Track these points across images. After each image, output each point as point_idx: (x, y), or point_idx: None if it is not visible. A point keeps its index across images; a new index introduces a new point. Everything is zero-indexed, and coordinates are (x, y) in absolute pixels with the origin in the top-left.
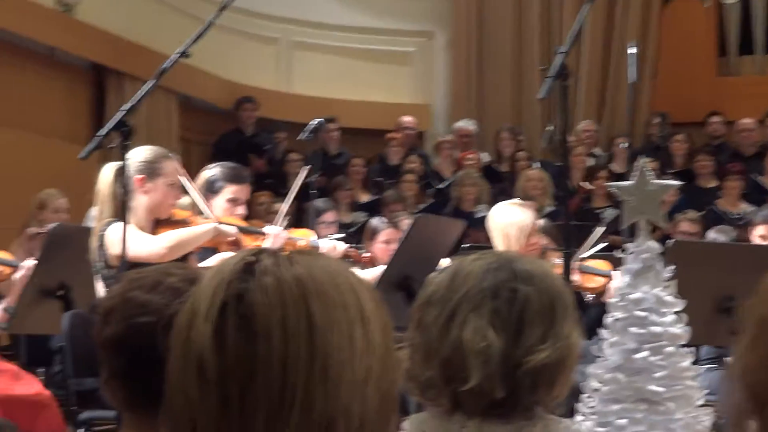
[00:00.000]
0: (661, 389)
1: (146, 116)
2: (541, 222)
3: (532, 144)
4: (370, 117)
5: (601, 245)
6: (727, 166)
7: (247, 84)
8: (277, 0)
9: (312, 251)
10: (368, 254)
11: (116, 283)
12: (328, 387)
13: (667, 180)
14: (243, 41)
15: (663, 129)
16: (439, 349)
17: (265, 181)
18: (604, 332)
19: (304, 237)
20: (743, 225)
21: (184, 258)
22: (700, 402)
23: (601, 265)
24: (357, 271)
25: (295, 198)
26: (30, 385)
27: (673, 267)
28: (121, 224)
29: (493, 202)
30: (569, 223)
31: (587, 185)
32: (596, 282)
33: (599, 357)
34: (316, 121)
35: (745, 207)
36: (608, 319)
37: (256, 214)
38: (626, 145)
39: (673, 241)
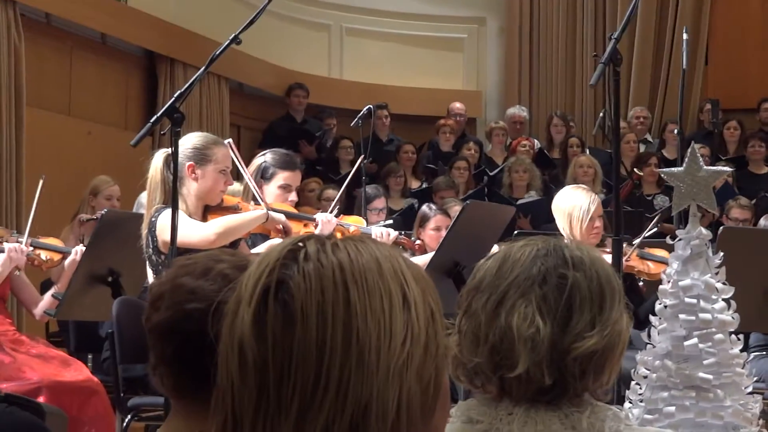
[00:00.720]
0: (710, 376)
1: (198, 103)
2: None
3: (583, 130)
4: (421, 103)
5: (652, 230)
6: None
7: (299, 70)
8: None
9: (361, 237)
10: (419, 241)
11: (166, 270)
12: (363, 373)
13: (718, 166)
14: (295, 28)
15: (715, 115)
16: (487, 335)
17: (315, 168)
18: (653, 319)
19: (354, 224)
20: None
21: (234, 244)
22: (749, 389)
23: (662, 252)
24: (409, 257)
25: (346, 185)
26: (78, 372)
27: (723, 254)
28: (170, 211)
29: (544, 188)
30: (620, 209)
31: (639, 171)
32: (657, 268)
33: (649, 344)
34: (367, 108)
35: None
36: (658, 306)
37: (306, 201)
38: (678, 131)
39: (723, 227)
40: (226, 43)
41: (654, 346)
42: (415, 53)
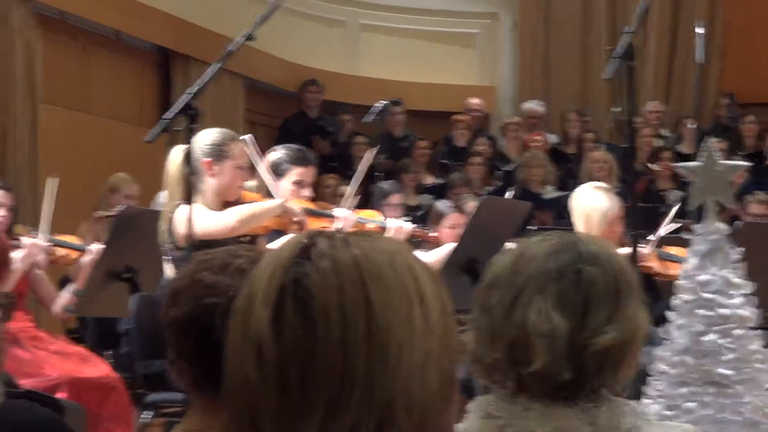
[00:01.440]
0: (729, 372)
1: (212, 99)
2: None
3: (598, 125)
4: (435, 99)
5: (673, 227)
6: None
7: (313, 66)
8: None
9: (368, 232)
10: (435, 234)
11: (185, 264)
12: (387, 369)
13: (735, 160)
14: (308, 24)
15: (731, 109)
16: (504, 331)
17: (330, 164)
18: (670, 314)
19: (373, 219)
20: None
21: (252, 240)
22: None
23: (680, 251)
24: (423, 251)
25: (361, 181)
26: (98, 368)
27: (742, 249)
28: (188, 206)
29: (559, 183)
30: (636, 204)
31: (654, 166)
32: (675, 269)
33: (666, 339)
34: (381, 104)
35: None
36: (675, 301)
37: (322, 197)
38: (694, 125)
39: (742, 222)
40: (241, 39)
41: (672, 342)
42: (428, 49)
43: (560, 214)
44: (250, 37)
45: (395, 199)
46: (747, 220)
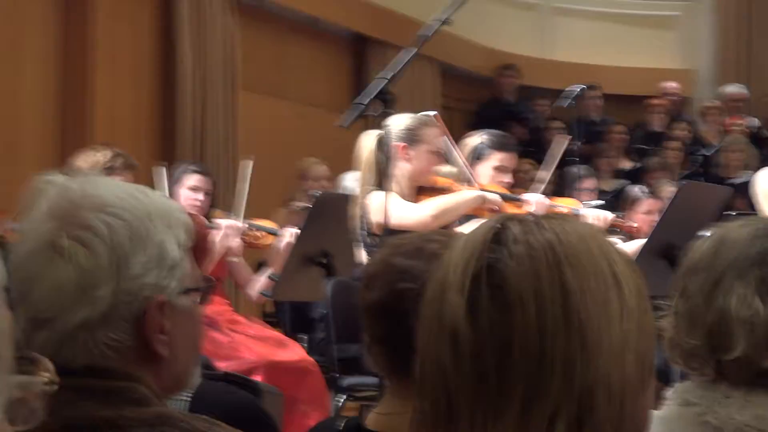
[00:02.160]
0: None
1: (407, 84)
2: None
3: None
4: (632, 83)
5: None
6: None
7: (507, 51)
8: None
9: (562, 215)
10: (635, 225)
11: (379, 251)
12: (586, 354)
13: None
14: (503, 8)
15: None
16: (704, 317)
17: (527, 150)
18: None
19: (567, 205)
20: None
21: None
22: None
23: None
24: (620, 240)
25: (555, 167)
26: (293, 352)
27: None
28: (383, 193)
29: (760, 168)
30: None
31: None
32: None
33: None
34: (576, 88)
35: None
36: None
37: (519, 182)
38: None
39: None
40: (436, 23)
41: None
42: (626, 31)
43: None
44: (445, 22)
45: (588, 183)
46: None
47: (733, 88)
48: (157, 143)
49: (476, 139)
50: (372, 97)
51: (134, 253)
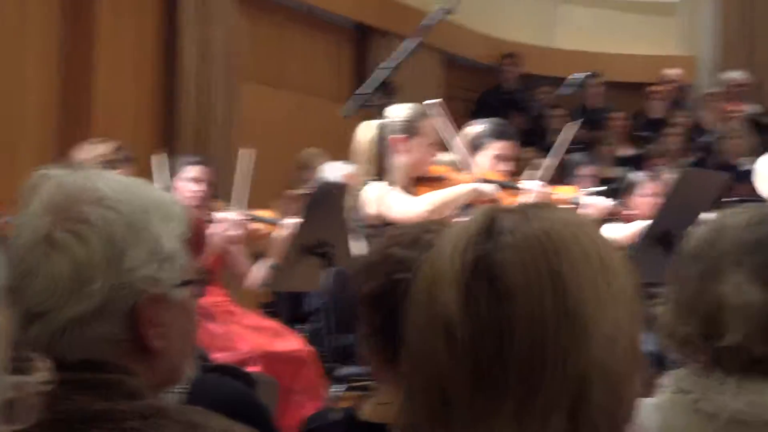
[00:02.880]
0: None
1: (410, 74)
2: None
3: None
4: (633, 70)
5: None
6: None
7: (509, 40)
8: None
9: (549, 204)
10: (633, 211)
11: (377, 241)
12: (579, 343)
13: None
14: None
15: None
16: (698, 304)
17: (527, 137)
18: None
19: (567, 193)
20: None
21: None
22: None
23: None
24: (619, 226)
25: (556, 152)
26: (290, 342)
27: None
28: (381, 184)
29: (760, 154)
30: None
31: None
32: None
33: None
34: (578, 76)
35: None
36: None
37: (518, 170)
38: None
39: None
40: (439, 13)
41: None
42: (627, 19)
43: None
44: (449, 11)
45: (587, 170)
46: None
47: (735, 74)
48: (159, 135)
49: (476, 128)
50: (375, 87)
51: (130, 246)
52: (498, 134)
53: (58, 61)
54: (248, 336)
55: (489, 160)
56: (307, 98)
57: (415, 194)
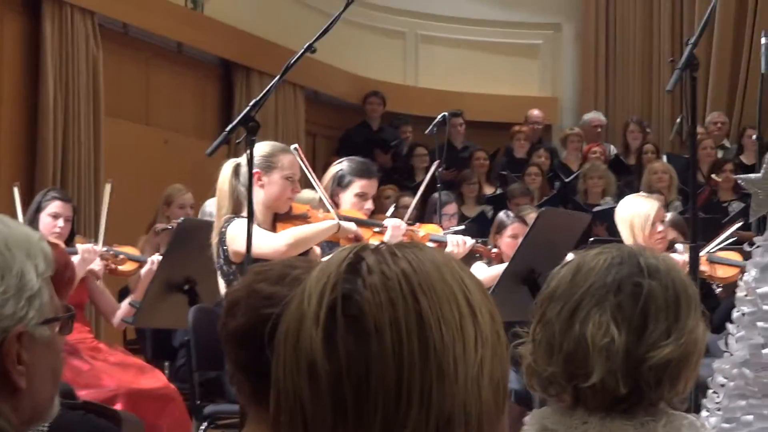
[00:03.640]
0: None
1: (274, 111)
2: (669, 215)
3: (660, 136)
4: (497, 110)
5: (730, 239)
6: None
7: (374, 78)
8: None
9: (415, 243)
10: (496, 250)
11: (239, 279)
12: (444, 384)
13: None
14: (369, 35)
15: None
16: (562, 344)
17: (390, 176)
18: (730, 327)
19: (429, 231)
20: None
21: (306, 251)
22: None
23: (732, 255)
24: (484, 266)
25: (422, 192)
26: (155, 379)
27: None
28: (241, 221)
29: (619, 195)
30: (697, 216)
31: (716, 178)
32: (726, 272)
33: (726, 352)
34: (441, 116)
35: None
36: (735, 314)
37: (382, 209)
38: (756, 137)
39: None
40: (302, 51)
41: (731, 354)
42: (490, 60)
43: (612, 226)
44: (311, 49)
45: (450, 208)
46: None
47: (593, 115)
48: (22, 169)
49: (339, 165)
50: (236, 124)
51: None
52: (361, 172)
53: None
54: (114, 373)
55: (352, 197)
56: (171, 134)
57: (276, 231)
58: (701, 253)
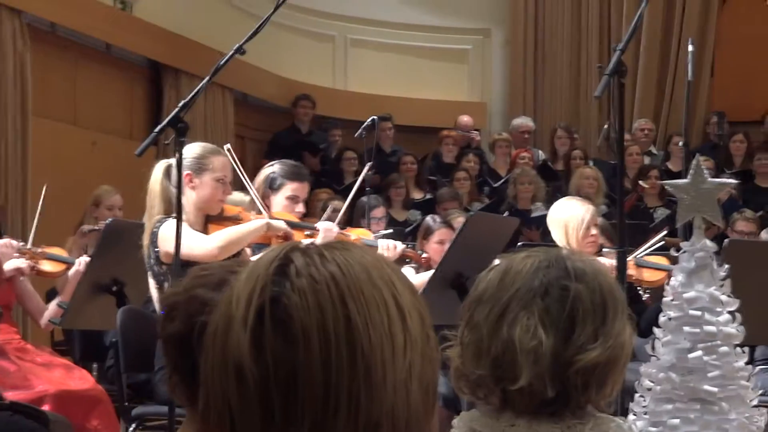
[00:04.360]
0: (714, 389)
1: (203, 113)
2: (598, 220)
3: (587, 142)
4: (426, 115)
5: (657, 245)
6: None
7: (304, 81)
8: None
9: (345, 244)
10: (426, 255)
11: (171, 280)
12: (372, 387)
13: (722, 178)
14: (299, 38)
15: (721, 128)
16: (489, 347)
17: (320, 179)
18: (657, 331)
19: (358, 235)
20: None
21: (237, 253)
22: (754, 402)
23: (659, 259)
24: (411, 269)
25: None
26: (83, 380)
27: (728, 266)
28: (172, 222)
29: (548, 200)
30: (624, 221)
31: (643, 184)
32: (653, 276)
33: (652, 356)
34: (370, 120)
35: None
36: (662, 318)
37: (314, 212)
38: (683, 143)
39: (728, 240)
40: (230, 53)
41: (658, 359)
42: (419, 64)
43: (546, 230)
44: (240, 51)
45: (379, 212)
46: (734, 238)
47: (521, 120)
48: None
49: (270, 169)
50: (165, 125)
51: None
52: (293, 175)
53: None
54: (41, 374)
55: (283, 200)
56: (100, 135)
57: (209, 232)
58: (628, 258)
